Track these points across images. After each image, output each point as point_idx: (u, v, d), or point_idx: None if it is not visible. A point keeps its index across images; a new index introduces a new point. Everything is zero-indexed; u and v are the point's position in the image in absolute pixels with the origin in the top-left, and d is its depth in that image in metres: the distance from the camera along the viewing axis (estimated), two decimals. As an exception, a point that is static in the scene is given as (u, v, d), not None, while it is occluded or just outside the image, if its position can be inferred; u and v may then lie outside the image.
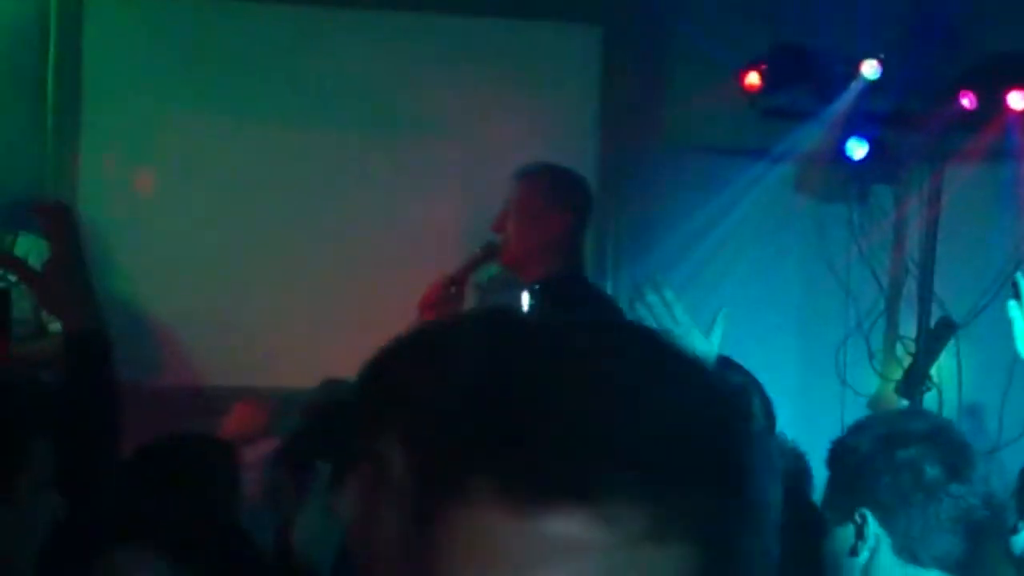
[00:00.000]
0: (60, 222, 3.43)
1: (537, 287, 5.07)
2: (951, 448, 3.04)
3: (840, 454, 3.12)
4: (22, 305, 5.94)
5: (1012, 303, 3.74)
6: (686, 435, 1.09)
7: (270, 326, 6.72)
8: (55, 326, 6.05)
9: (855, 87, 6.93)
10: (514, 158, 6.72)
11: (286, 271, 6.81)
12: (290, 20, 6.89)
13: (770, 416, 3.46)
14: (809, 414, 6.16)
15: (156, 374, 6.59)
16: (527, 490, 1.04)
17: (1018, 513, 3.29)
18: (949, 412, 6.90)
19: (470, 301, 5.47)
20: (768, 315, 7.02)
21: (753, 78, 6.95)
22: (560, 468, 1.04)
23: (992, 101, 6.86)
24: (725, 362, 3.54)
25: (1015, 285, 3.70)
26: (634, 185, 7.10)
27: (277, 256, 6.82)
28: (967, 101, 6.85)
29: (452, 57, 6.98)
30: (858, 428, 3.18)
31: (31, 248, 6.08)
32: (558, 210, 5.22)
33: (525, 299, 4.98)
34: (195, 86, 6.82)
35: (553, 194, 5.24)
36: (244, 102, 6.86)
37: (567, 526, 1.03)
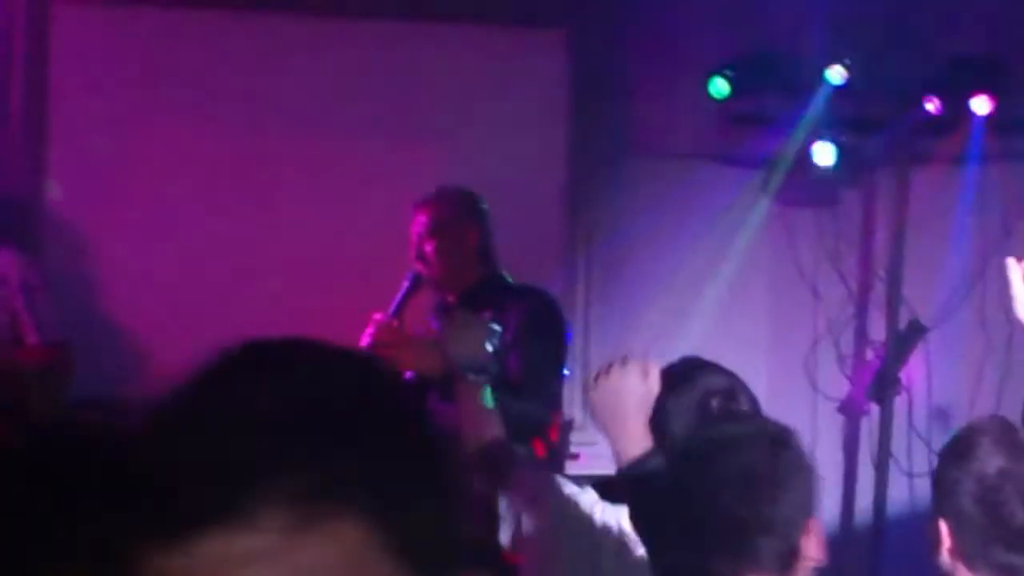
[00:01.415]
0: None
1: (465, 296, 5.49)
2: None
3: None
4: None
5: (1011, 260, 3.78)
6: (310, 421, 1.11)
7: (242, 336, 6.68)
8: (32, 338, 6.04)
9: (821, 92, 6.96)
10: (483, 164, 6.74)
11: (257, 280, 6.78)
12: (259, 28, 6.88)
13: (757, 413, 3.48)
14: (779, 419, 6.16)
15: (126, 386, 6.56)
16: (172, 526, 1.08)
17: None
18: (919, 415, 6.93)
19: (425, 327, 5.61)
20: (738, 321, 7.04)
21: (720, 84, 6.97)
22: (192, 494, 1.08)
23: (957, 106, 6.89)
24: (701, 364, 3.55)
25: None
26: (602, 191, 7.10)
27: (249, 264, 6.80)
28: (932, 106, 6.89)
29: (421, 63, 6.97)
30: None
31: (7, 261, 6.07)
32: (468, 224, 5.61)
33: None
34: (164, 95, 6.79)
35: (460, 211, 5.63)
36: (212, 111, 6.85)
37: (224, 543, 1.07)
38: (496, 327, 4.44)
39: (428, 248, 5.54)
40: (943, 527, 3.20)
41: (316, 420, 1.11)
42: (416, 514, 1.12)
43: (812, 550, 2.93)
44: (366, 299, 6.35)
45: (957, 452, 3.26)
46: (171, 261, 6.73)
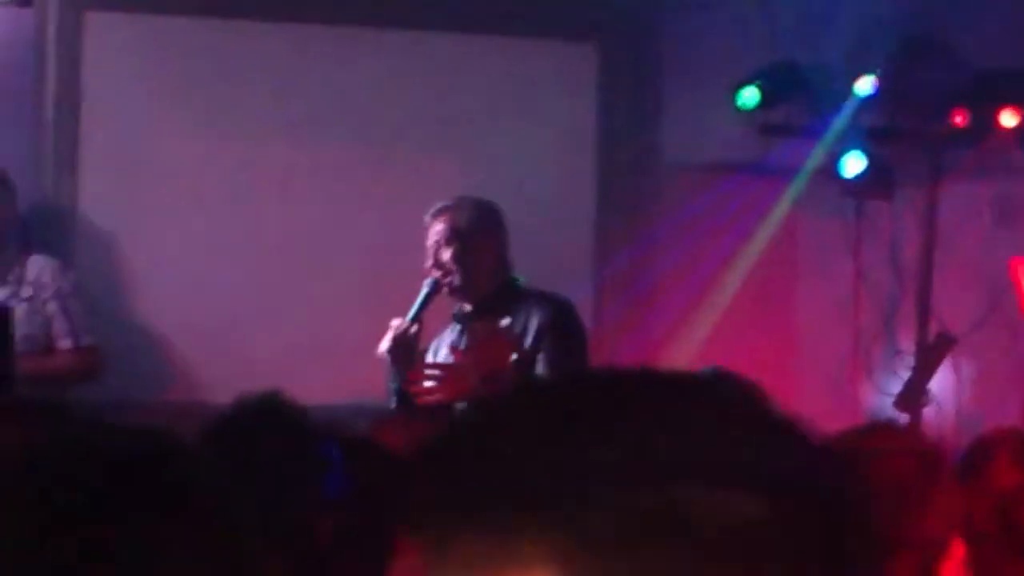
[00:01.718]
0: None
1: (482, 304, 5.56)
2: None
3: None
4: (33, 320, 5.98)
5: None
6: None
7: (268, 343, 6.71)
8: (64, 343, 6.09)
9: (850, 103, 6.97)
10: (512, 175, 6.76)
11: (284, 287, 6.80)
12: (287, 37, 6.91)
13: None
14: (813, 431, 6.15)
15: (156, 390, 6.59)
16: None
17: None
18: (947, 426, 6.92)
19: (448, 334, 5.66)
20: (768, 332, 7.04)
21: (749, 94, 6.98)
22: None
23: (985, 118, 6.90)
24: (726, 375, 3.52)
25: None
26: (632, 202, 7.12)
27: (275, 272, 6.82)
28: (960, 118, 6.90)
29: (450, 75, 6.99)
30: None
31: (43, 268, 6.13)
32: (486, 232, 5.66)
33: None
34: (194, 103, 6.82)
35: (480, 220, 5.67)
36: (242, 119, 6.88)
37: None
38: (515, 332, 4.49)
39: (446, 256, 5.57)
40: (957, 541, 3.16)
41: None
42: None
43: None
44: (392, 306, 6.38)
45: (972, 465, 3.22)
46: (200, 269, 6.75)
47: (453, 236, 5.58)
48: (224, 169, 6.85)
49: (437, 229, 5.63)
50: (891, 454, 2.93)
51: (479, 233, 5.62)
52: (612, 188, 7.10)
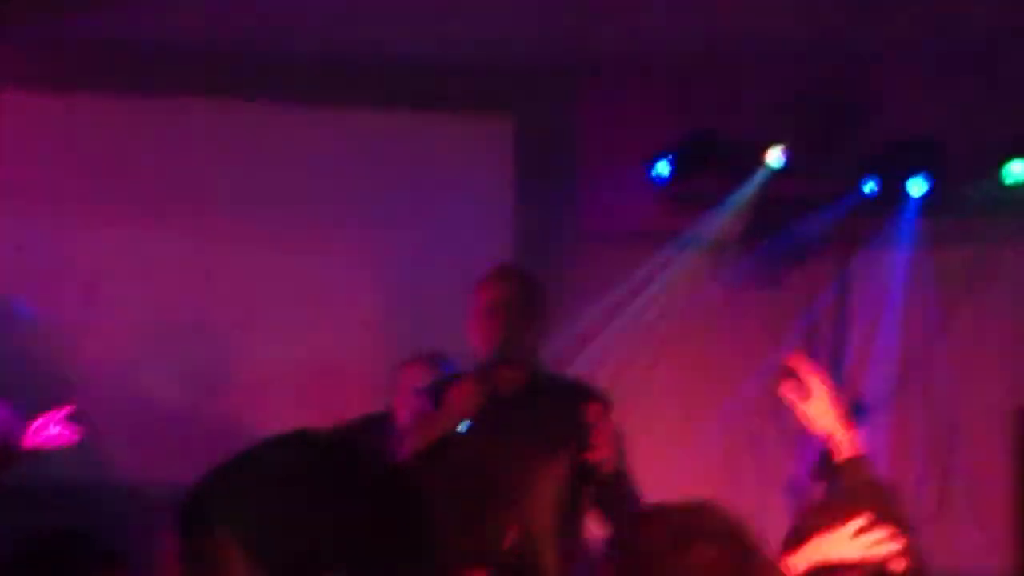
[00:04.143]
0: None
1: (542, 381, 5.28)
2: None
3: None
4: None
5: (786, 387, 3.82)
6: None
7: (201, 419, 6.67)
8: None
9: (761, 173, 7.02)
10: (430, 247, 6.77)
11: (207, 368, 6.77)
12: (209, 115, 6.91)
13: None
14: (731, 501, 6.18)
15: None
16: None
17: None
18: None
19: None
20: (687, 402, 7.07)
21: (663, 166, 7.03)
22: None
23: (894, 187, 6.97)
24: None
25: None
26: (549, 274, 7.13)
27: (193, 353, 6.80)
28: (869, 187, 6.96)
29: (368, 149, 7.01)
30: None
31: None
32: (542, 308, 5.37)
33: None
34: (109, 180, 6.80)
35: (538, 293, 5.38)
36: (163, 197, 6.86)
37: None
38: None
39: (499, 324, 5.26)
40: None
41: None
42: None
43: None
44: (322, 376, 6.36)
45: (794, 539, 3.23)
46: (117, 351, 6.71)
47: (518, 303, 5.30)
48: (139, 252, 6.81)
49: (501, 294, 5.30)
50: (706, 536, 2.93)
51: (540, 306, 5.37)
52: (529, 258, 7.12)
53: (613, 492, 5.03)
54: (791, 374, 3.83)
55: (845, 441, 3.80)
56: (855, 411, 6.81)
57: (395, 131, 7.08)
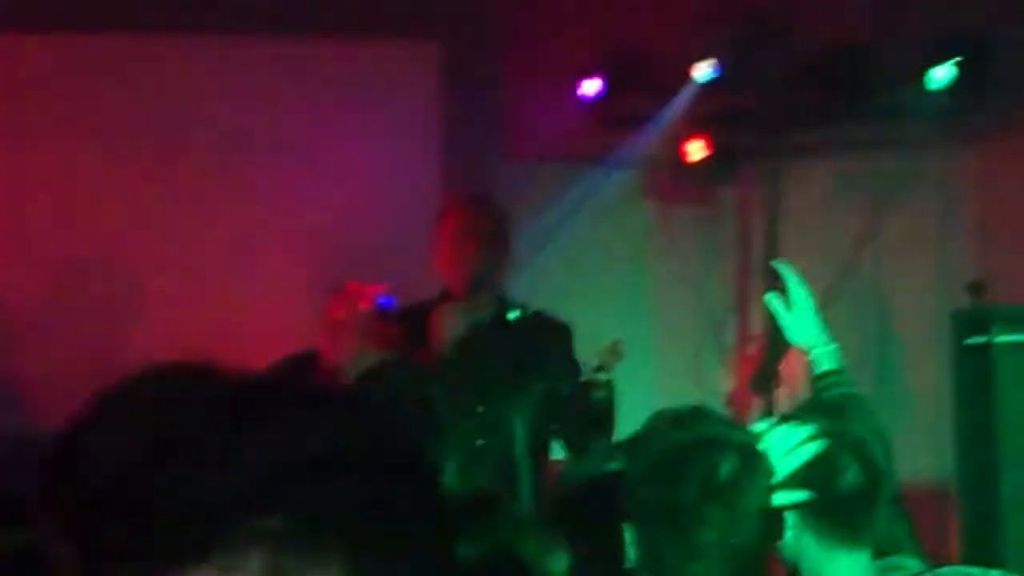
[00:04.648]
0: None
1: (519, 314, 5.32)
2: None
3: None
4: None
5: (772, 295, 3.79)
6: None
7: (112, 354, 6.63)
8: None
9: (689, 89, 7.01)
10: (358, 175, 6.73)
11: (127, 296, 6.73)
12: (129, 47, 6.83)
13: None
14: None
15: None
16: (157, 562, 1.08)
17: None
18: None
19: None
20: (623, 322, 7.07)
21: (591, 86, 7.01)
22: (174, 534, 1.08)
23: (822, 98, 6.97)
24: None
25: (775, 274, 3.75)
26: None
27: (120, 281, 6.75)
28: (802, 98, 6.96)
29: (292, 78, 6.95)
30: None
31: None
32: (511, 238, 5.48)
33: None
34: (31, 116, 6.74)
35: (508, 223, 5.49)
36: (83, 129, 6.79)
37: None
38: None
39: (472, 253, 5.37)
40: None
41: (295, 463, 1.10)
42: (400, 554, 1.12)
43: None
44: (228, 313, 6.33)
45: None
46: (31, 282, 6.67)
47: (488, 231, 5.43)
48: (50, 181, 6.75)
49: (469, 222, 5.41)
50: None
51: (510, 232, 5.51)
52: (458, 182, 7.10)
53: (574, 418, 5.11)
54: (776, 280, 3.80)
55: (825, 354, 3.77)
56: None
57: (316, 59, 7.02)
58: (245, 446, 1.11)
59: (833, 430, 3.05)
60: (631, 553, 3.01)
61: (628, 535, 3.01)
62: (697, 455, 2.92)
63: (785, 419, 3.11)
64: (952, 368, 6.26)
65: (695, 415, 3.06)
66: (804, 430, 3.03)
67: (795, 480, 3.00)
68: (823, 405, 3.50)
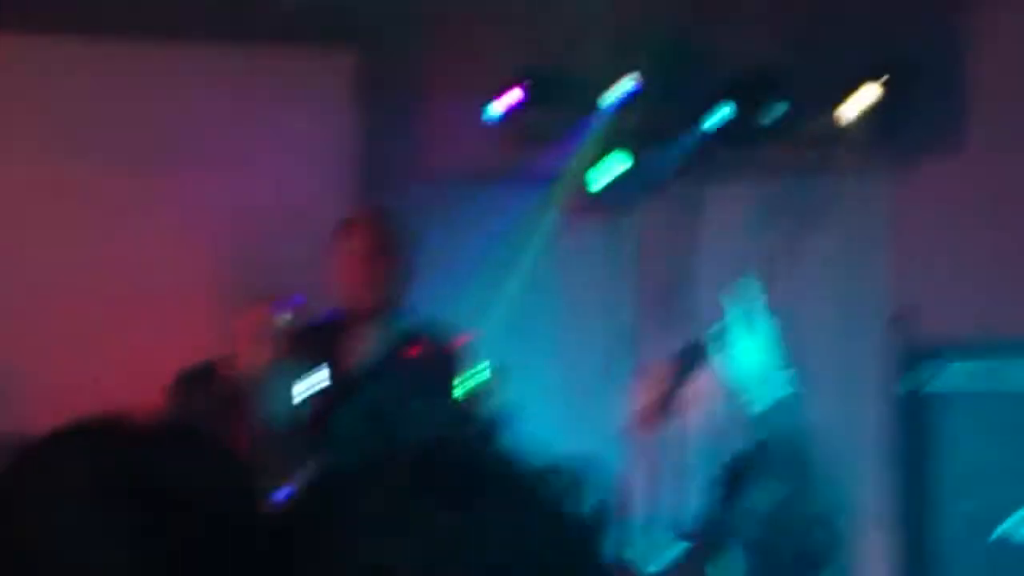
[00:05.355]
0: None
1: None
2: None
3: None
4: None
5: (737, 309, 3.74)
6: None
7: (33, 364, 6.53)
8: None
9: (609, 105, 6.96)
10: (271, 187, 6.65)
11: (46, 306, 6.63)
12: (41, 50, 6.71)
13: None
14: (575, 438, 6.14)
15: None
16: None
17: None
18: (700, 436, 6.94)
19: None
20: (532, 342, 7.01)
21: (505, 102, 6.96)
22: None
23: (745, 118, 6.94)
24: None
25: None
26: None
27: (37, 290, 6.65)
28: (719, 116, 6.93)
29: (201, 85, 6.85)
30: None
31: None
32: (410, 253, 5.48)
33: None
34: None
35: (406, 237, 5.50)
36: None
37: None
38: None
39: (370, 268, 5.36)
40: None
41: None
42: None
43: None
44: (160, 326, 6.23)
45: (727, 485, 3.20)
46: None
47: (384, 245, 5.43)
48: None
49: (366, 238, 5.41)
50: None
51: (406, 245, 5.52)
52: (370, 198, 7.01)
53: (485, 431, 5.12)
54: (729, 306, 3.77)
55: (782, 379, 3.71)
56: (692, 351, 6.76)
57: (234, 66, 6.93)
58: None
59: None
60: None
61: None
62: None
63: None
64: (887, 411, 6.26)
65: None
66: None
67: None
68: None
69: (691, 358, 6.71)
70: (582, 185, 7.10)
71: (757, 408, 3.77)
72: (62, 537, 1.13)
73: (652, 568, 3.65)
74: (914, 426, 6.15)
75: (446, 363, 5.32)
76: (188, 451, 1.27)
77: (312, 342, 5.24)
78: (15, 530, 1.15)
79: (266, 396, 5.08)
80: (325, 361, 5.20)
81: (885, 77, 6.69)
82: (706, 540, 3.04)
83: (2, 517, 1.18)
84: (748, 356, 3.82)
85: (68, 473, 1.21)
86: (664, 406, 6.69)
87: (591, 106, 6.97)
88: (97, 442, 1.25)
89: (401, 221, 5.52)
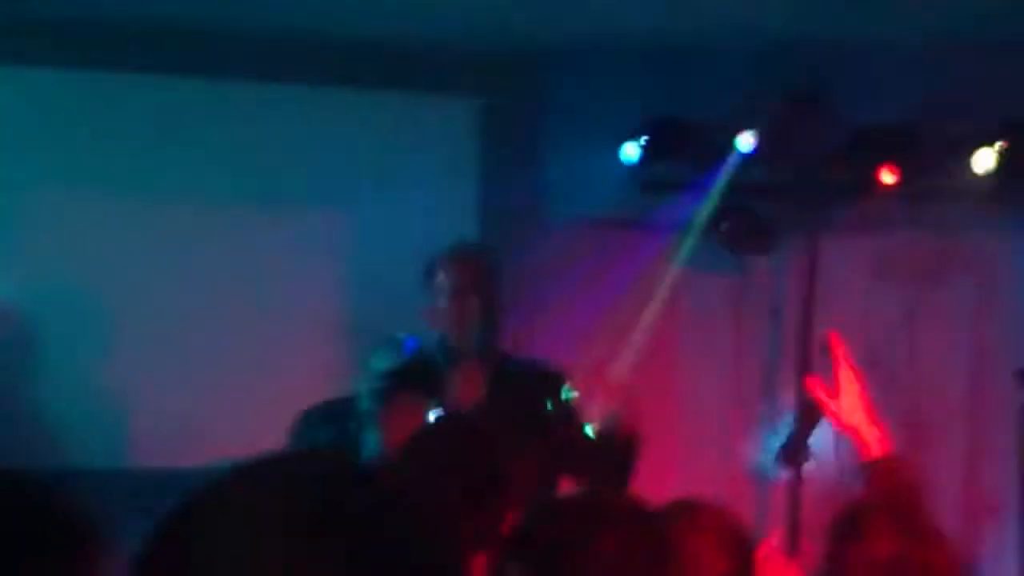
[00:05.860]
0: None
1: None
2: None
3: None
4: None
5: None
6: None
7: (148, 405, 6.61)
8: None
9: (731, 159, 6.98)
10: (396, 228, 6.71)
11: (165, 347, 6.70)
12: (172, 91, 6.82)
13: None
14: (693, 488, 6.13)
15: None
16: None
17: None
18: (829, 483, 6.91)
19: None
20: (649, 390, 7.01)
21: (631, 150, 7.00)
22: None
23: (864, 174, 6.94)
24: None
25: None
26: (515, 258, 7.08)
27: (156, 333, 6.72)
28: (840, 174, 6.94)
29: (335, 129, 6.94)
30: None
31: None
32: (502, 287, 5.36)
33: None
34: (74, 159, 6.71)
35: (499, 272, 5.36)
36: (127, 176, 6.77)
37: None
38: None
39: (467, 308, 5.25)
40: None
41: None
42: None
43: None
44: (290, 369, 6.28)
45: (844, 533, 3.15)
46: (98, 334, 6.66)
47: (484, 286, 5.29)
48: (80, 225, 6.72)
49: (465, 276, 5.28)
50: (695, 533, 2.87)
51: (500, 287, 5.37)
52: (495, 243, 7.06)
53: (586, 464, 5.07)
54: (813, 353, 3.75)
55: (873, 439, 3.65)
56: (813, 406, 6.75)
57: (361, 111, 7.01)
58: None
59: None
60: None
61: None
62: None
63: None
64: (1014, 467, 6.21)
65: None
66: None
67: None
68: None
69: (815, 408, 6.71)
70: (705, 237, 7.12)
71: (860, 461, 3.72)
72: (267, 570, 1.15)
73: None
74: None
75: (567, 412, 5.29)
76: (366, 484, 1.29)
77: (421, 379, 5.19)
78: (219, 565, 1.16)
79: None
80: (435, 400, 5.16)
81: (1012, 134, 6.68)
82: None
83: (203, 550, 1.19)
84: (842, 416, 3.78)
85: (265, 506, 1.23)
86: (789, 457, 6.70)
87: (714, 158, 6.99)
88: (288, 476, 1.24)
89: (493, 258, 5.44)
